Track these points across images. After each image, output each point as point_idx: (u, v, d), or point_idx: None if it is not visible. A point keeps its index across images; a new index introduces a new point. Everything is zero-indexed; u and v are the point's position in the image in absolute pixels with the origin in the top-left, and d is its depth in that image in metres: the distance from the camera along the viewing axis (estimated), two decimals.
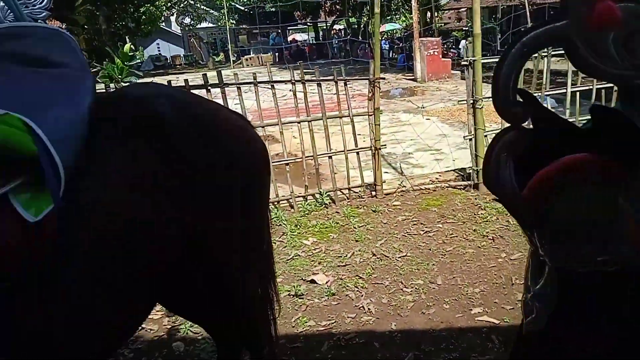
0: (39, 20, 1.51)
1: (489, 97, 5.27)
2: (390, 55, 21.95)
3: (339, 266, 3.58)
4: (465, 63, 4.77)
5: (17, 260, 1.06)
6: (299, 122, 4.66)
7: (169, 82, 4.03)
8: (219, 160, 1.51)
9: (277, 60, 26.80)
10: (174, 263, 1.45)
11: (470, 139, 4.91)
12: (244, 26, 29.34)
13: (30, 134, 1.15)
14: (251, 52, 29.06)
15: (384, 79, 4.84)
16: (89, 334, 1.23)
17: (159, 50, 31.87)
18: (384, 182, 4.99)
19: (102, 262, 1.23)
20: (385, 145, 4.96)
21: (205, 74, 4.42)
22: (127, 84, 3.13)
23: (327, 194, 4.83)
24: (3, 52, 1.37)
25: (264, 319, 2.01)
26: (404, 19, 29.17)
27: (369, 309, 3.02)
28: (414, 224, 4.21)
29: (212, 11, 31.99)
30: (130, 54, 3.14)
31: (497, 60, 0.96)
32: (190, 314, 1.87)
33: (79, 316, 1.19)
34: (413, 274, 3.40)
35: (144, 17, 24.07)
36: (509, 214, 4.18)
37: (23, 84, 1.32)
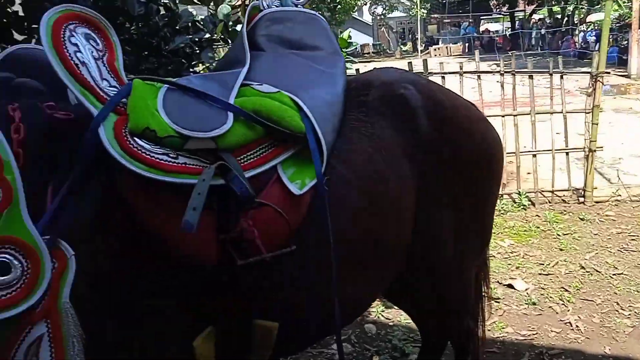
0: (299, 6, 1.60)
1: None
2: (597, 48, 19.66)
3: (540, 274, 3.31)
4: None
5: (286, 230, 1.14)
6: (503, 116, 4.39)
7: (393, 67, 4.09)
8: (461, 148, 1.47)
9: (466, 50, 25.88)
10: (404, 247, 1.44)
11: None
12: (435, 15, 28.81)
13: (298, 112, 1.22)
14: (439, 42, 28.50)
15: (608, 73, 4.29)
16: (329, 308, 1.27)
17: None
18: (595, 188, 4.47)
19: (350, 239, 1.27)
20: (602, 147, 4.41)
21: (410, 62, 4.40)
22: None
23: (526, 194, 4.50)
24: (270, 34, 1.49)
25: (474, 318, 1.93)
26: (616, 7, 25.86)
27: (576, 326, 2.73)
28: (633, 239, 3.70)
29: (404, 0, 32.00)
30: (349, 41, 3.22)
31: None
32: (402, 300, 1.87)
33: (324, 289, 1.23)
34: (632, 295, 2.99)
35: (339, 6, 25.02)
36: None
37: (287, 64, 1.41)
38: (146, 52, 2.49)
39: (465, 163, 1.49)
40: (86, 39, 1.09)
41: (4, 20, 2.44)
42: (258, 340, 1.22)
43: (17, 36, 2.61)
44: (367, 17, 34.35)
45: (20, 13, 2.48)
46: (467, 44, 26.41)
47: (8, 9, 2.49)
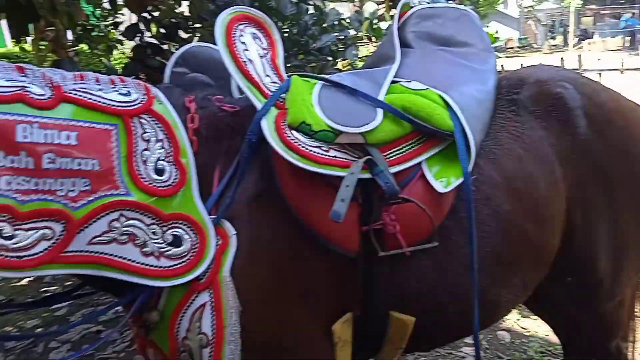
0: (450, 1, 1.58)
1: None
2: None
3: None
4: None
5: (428, 226, 1.14)
6: None
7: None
8: (625, 154, 1.36)
9: (626, 45, 23.37)
10: (551, 254, 1.37)
11: None
12: (591, 6, 26.35)
13: (447, 110, 1.22)
14: (594, 36, 26.06)
15: None
16: (468, 309, 1.25)
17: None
18: None
19: (494, 241, 1.24)
20: None
21: (562, 58, 4.10)
22: None
23: None
24: (419, 31, 1.49)
25: (625, 339, 1.76)
26: None
27: None
28: None
29: None
30: (495, 36, 3.12)
31: None
32: (546, 311, 1.77)
33: (464, 290, 1.22)
34: None
35: None
36: None
37: (436, 61, 1.41)
38: (295, 49, 2.63)
39: (628, 171, 1.37)
40: (253, 37, 1.19)
41: (173, 20, 2.74)
42: (393, 332, 1.24)
43: (182, 34, 2.90)
44: (512, 10, 32.46)
45: (186, 13, 2.76)
46: (628, 38, 23.82)
47: (175, 10, 2.79)
